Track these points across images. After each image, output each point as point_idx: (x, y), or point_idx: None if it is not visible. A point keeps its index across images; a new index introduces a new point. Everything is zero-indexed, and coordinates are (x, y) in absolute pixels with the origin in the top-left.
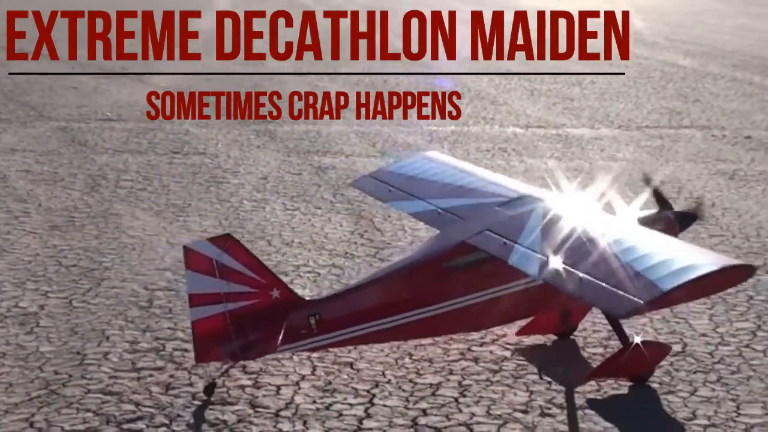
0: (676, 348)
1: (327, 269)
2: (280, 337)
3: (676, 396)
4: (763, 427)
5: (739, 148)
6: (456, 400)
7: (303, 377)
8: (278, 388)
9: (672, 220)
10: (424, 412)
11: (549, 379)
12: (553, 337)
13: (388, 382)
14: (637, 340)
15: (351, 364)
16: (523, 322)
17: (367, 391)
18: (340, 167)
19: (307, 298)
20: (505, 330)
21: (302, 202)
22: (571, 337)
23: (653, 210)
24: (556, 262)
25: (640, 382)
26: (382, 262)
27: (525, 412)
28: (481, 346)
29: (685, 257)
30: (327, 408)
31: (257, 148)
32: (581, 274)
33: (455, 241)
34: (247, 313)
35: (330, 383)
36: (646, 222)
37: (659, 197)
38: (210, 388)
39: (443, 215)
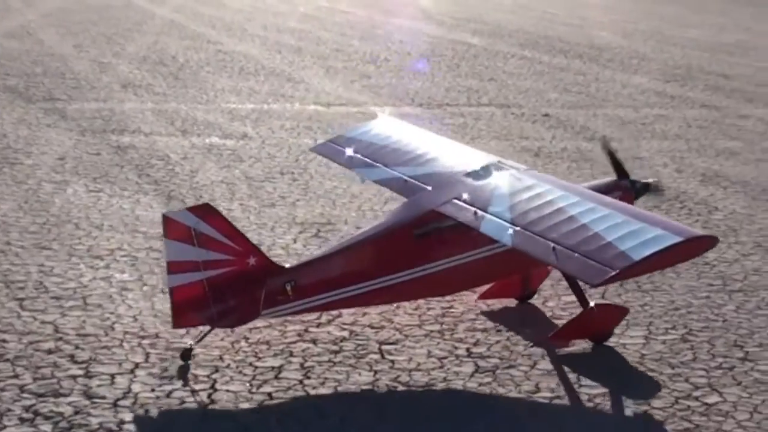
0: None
1: (145, 252)
2: (261, 303)
3: (518, 370)
4: (604, 396)
5: (539, 125)
6: (301, 382)
7: (137, 365)
8: (112, 377)
9: (629, 188)
10: (270, 396)
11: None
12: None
13: (228, 366)
14: (593, 303)
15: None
16: (484, 288)
17: (207, 377)
18: (141, 147)
19: (281, 264)
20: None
21: (106, 183)
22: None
23: (610, 178)
24: (528, 231)
25: (599, 342)
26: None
27: (372, 391)
28: (318, 327)
29: (653, 227)
30: (168, 396)
31: (48, 127)
32: (554, 243)
33: (425, 209)
34: (225, 280)
35: (167, 370)
36: (604, 190)
37: (617, 164)
38: (186, 353)
39: (410, 183)
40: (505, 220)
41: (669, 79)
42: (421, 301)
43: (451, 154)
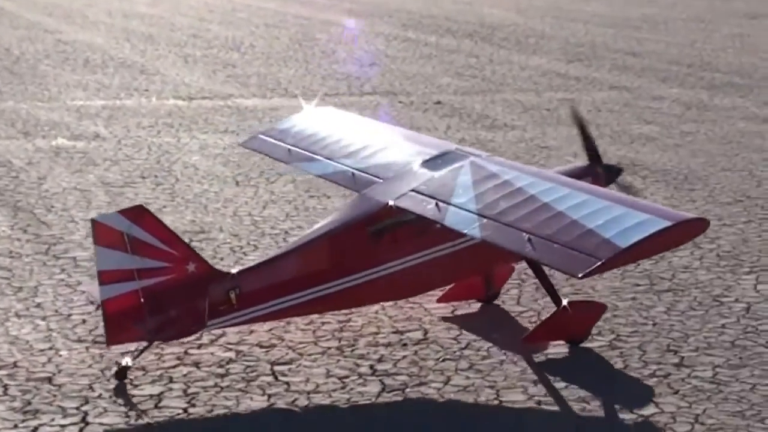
0: (418, 335)
1: None
2: (206, 313)
3: (430, 387)
4: (528, 411)
5: (431, 114)
6: (185, 410)
7: None
8: None
9: (600, 173)
10: (150, 427)
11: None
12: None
13: (100, 396)
14: (566, 302)
15: (49, 379)
16: (442, 291)
17: (77, 409)
18: None
19: (224, 270)
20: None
21: None
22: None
23: (579, 163)
24: (498, 222)
25: (576, 343)
26: (57, 259)
27: (266, 417)
28: (199, 348)
29: (637, 212)
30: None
31: None
32: (529, 234)
33: (379, 203)
34: (162, 289)
35: (30, 403)
36: (574, 175)
37: (590, 147)
38: (122, 372)
39: (359, 176)
40: (471, 212)
41: (572, 59)
42: (314, 315)
43: (402, 143)
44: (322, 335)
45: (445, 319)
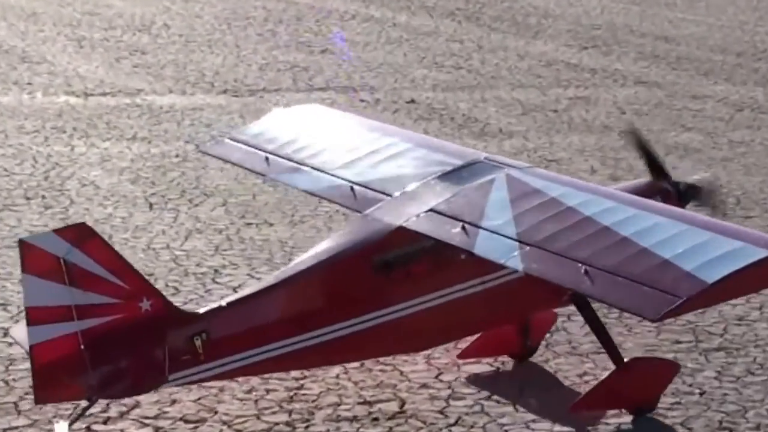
0: (392, 407)
1: None
2: (167, 363)
3: None
4: None
5: (403, 116)
6: None
7: None
8: None
9: (671, 192)
10: None
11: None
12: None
13: None
14: (629, 359)
15: None
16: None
17: None
18: None
19: (188, 310)
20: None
21: None
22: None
23: (643, 179)
24: (545, 249)
25: (641, 412)
26: None
27: None
28: (105, 423)
29: (725, 238)
30: None
31: None
32: (586, 265)
33: (388, 226)
34: (108, 332)
35: None
36: (637, 194)
37: (652, 162)
38: None
39: (361, 192)
40: (509, 237)
41: (586, 45)
42: (255, 381)
43: (415, 150)
44: (268, 407)
45: (424, 385)
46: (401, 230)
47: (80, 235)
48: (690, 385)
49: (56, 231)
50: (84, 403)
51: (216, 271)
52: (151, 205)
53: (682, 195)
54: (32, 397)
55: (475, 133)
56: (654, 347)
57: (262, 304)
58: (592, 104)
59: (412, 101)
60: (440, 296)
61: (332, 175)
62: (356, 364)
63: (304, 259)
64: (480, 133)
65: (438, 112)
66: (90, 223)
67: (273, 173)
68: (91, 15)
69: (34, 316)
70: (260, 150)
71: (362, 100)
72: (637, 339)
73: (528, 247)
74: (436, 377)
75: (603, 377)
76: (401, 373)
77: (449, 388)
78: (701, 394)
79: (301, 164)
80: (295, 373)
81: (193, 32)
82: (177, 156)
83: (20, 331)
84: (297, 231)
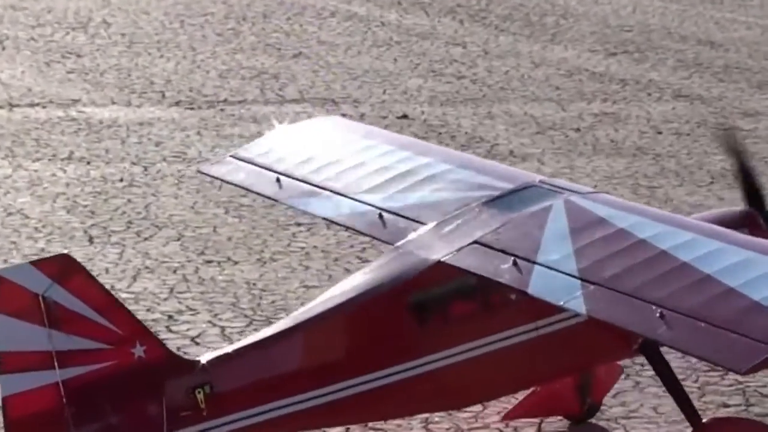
0: None
1: None
2: (164, 421)
3: None
4: None
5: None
6: None
7: None
8: None
9: (761, 222)
10: None
11: None
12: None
13: None
14: (708, 419)
15: None
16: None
17: None
18: None
19: (188, 358)
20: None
21: None
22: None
23: (735, 207)
24: (612, 289)
25: None
26: None
27: None
28: None
29: None
30: None
31: None
32: (661, 308)
33: (425, 261)
34: (95, 383)
35: None
36: (723, 225)
37: (750, 185)
38: None
39: (391, 220)
40: (569, 274)
41: (614, 50)
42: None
43: (454, 172)
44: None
45: None
46: (440, 266)
47: (63, 268)
48: None
49: (34, 263)
50: None
51: (170, 317)
52: (91, 239)
53: None
54: None
55: (480, 155)
56: (698, 410)
57: (275, 353)
58: (621, 122)
59: (405, 116)
60: (485, 344)
61: (357, 200)
62: (339, 430)
63: (326, 299)
64: (486, 155)
65: (436, 129)
66: (17, 260)
67: (286, 197)
68: (15, 9)
69: (8, 363)
70: (269, 170)
71: (344, 115)
72: (671, 399)
73: (592, 287)
74: None
75: None
76: None
77: None
78: None
79: (319, 187)
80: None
81: (139, 31)
82: (121, 180)
83: None
84: (267, 270)
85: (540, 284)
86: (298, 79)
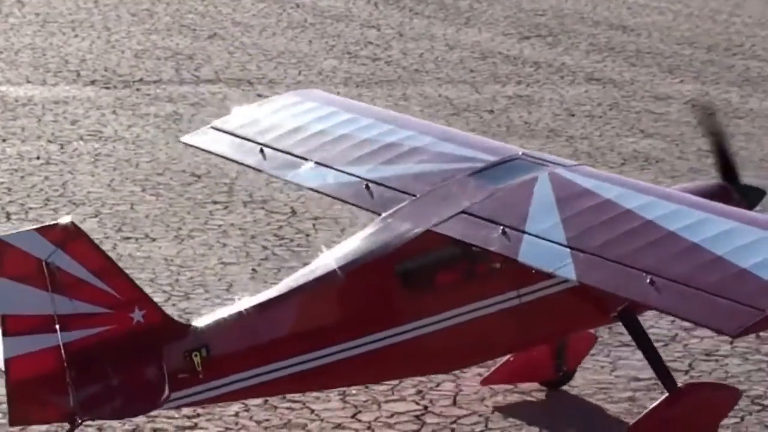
0: None
1: None
2: (166, 381)
3: None
4: None
5: None
6: None
7: None
8: None
9: (734, 194)
10: None
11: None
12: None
13: None
14: (683, 384)
15: None
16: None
17: None
18: None
19: (184, 322)
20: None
21: None
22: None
23: (711, 180)
24: (601, 257)
25: None
26: None
27: None
28: None
29: None
30: None
31: None
32: (651, 275)
33: (413, 230)
34: (95, 346)
35: None
36: (703, 196)
37: (726, 163)
38: None
39: (378, 190)
40: (558, 243)
41: (528, 34)
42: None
43: (437, 144)
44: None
45: (339, 426)
46: (429, 234)
47: (66, 234)
48: None
49: (38, 229)
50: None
51: None
52: (8, 215)
53: (748, 200)
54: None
55: None
56: (609, 385)
57: (270, 317)
58: (535, 105)
59: None
60: (470, 311)
61: (342, 171)
62: (259, 401)
63: (317, 266)
64: None
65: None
66: None
67: (271, 168)
68: None
69: (12, 326)
70: (252, 141)
71: (259, 95)
72: (588, 375)
73: (581, 254)
74: (353, 416)
75: (653, 405)
76: (312, 411)
77: (369, 429)
78: None
79: (303, 159)
80: (187, 411)
81: (53, 11)
82: (38, 158)
83: None
84: (185, 247)
85: (529, 252)
86: (213, 59)
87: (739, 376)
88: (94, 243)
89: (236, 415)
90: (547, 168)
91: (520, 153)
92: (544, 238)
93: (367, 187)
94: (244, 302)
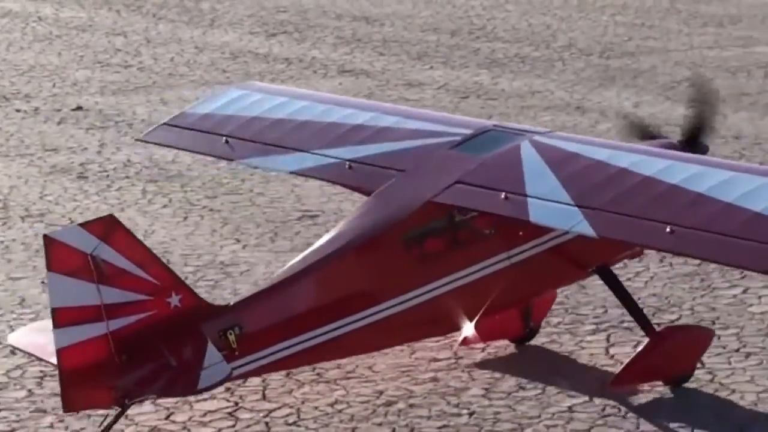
0: None
1: None
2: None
3: None
4: None
5: (71, 127)
6: None
7: None
8: None
9: (680, 149)
10: None
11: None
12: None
13: None
14: (662, 328)
15: None
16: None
17: None
18: None
19: (217, 303)
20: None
21: None
22: None
23: (652, 140)
24: (613, 212)
25: (678, 383)
26: None
27: None
28: None
29: None
30: None
31: None
32: (670, 225)
33: (415, 201)
34: (139, 331)
35: None
36: None
37: (695, 128)
38: None
39: (360, 169)
40: (564, 203)
41: (274, 31)
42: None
43: (404, 122)
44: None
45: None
46: (430, 205)
47: (107, 227)
48: (456, 406)
49: (83, 225)
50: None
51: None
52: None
53: (692, 152)
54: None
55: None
56: (410, 368)
57: (294, 292)
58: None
59: (79, 108)
60: (470, 273)
61: (320, 154)
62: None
63: (330, 240)
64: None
65: (112, 119)
66: None
67: (241, 156)
68: None
69: (62, 318)
70: (213, 133)
71: (18, 110)
72: (388, 360)
73: (592, 211)
74: (167, 418)
75: (638, 350)
76: (126, 416)
77: (185, 429)
78: (470, 414)
79: (275, 145)
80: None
81: None
82: None
83: (22, 337)
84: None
85: (539, 213)
86: None
87: None
88: (132, 234)
89: (51, 426)
90: (524, 136)
91: (491, 125)
92: (548, 200)
93: (350, 167)
94: (269, 280)
